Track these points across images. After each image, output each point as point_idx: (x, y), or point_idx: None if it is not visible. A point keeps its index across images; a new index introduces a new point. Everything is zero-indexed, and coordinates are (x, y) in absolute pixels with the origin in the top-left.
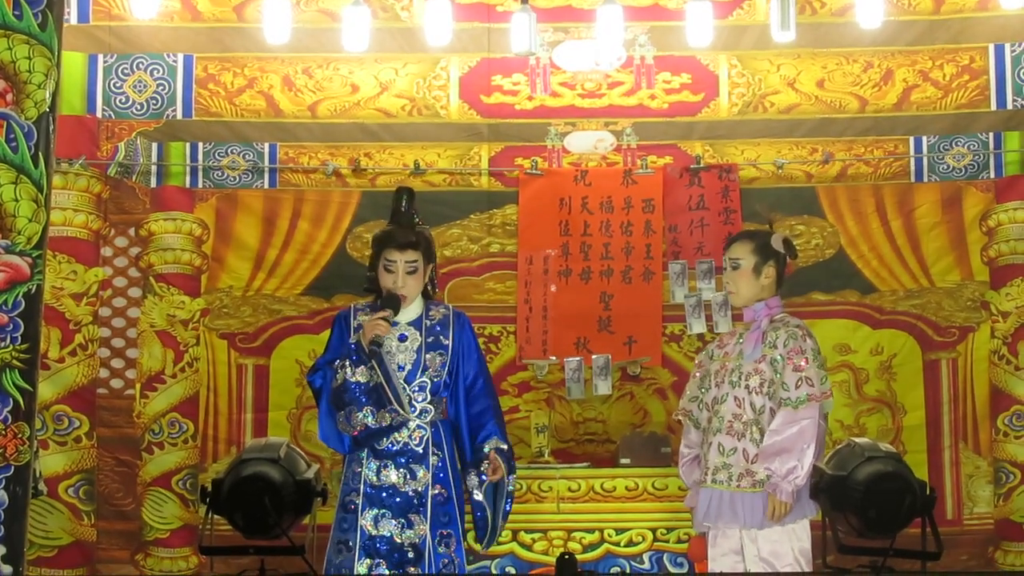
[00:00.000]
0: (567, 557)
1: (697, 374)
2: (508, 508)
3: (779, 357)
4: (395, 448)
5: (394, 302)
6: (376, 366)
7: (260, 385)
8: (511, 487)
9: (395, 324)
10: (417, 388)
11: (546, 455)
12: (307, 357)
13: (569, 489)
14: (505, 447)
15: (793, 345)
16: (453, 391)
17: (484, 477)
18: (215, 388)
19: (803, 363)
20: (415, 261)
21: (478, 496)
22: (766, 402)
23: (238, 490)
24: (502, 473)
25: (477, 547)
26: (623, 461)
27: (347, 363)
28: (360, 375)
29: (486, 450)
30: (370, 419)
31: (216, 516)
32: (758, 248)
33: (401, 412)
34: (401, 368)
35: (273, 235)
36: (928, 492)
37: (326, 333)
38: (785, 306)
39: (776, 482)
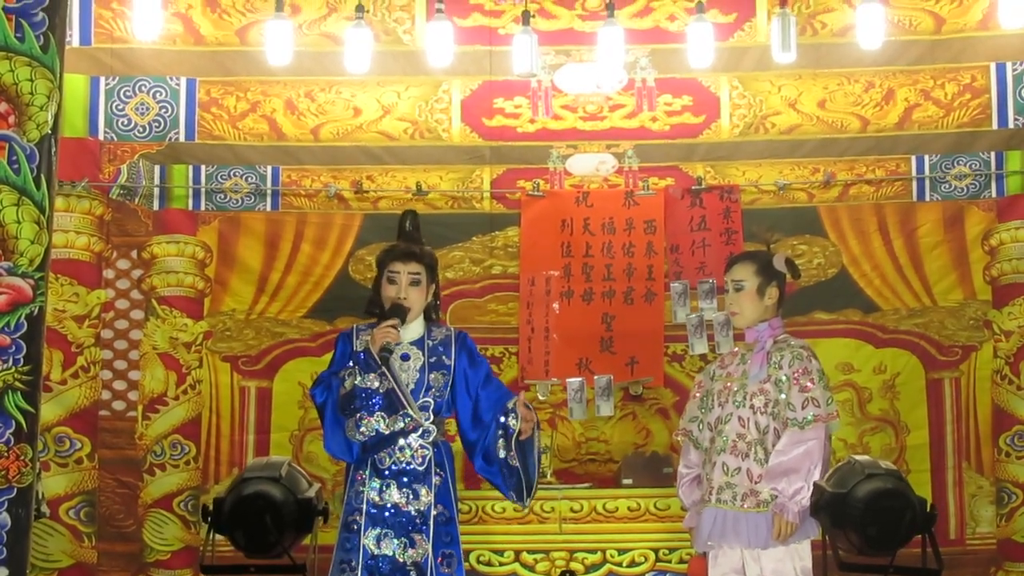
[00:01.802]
0: (569, 575)
1: (697, 394)
2: (539, 460)
3: (784, 378)
4: (398, 468)
5: (400, 311)
6: (387, 371)
7: (262, 407)
8: (539, 442)
9: (398, 344)
10: (420, 408)
11: (549, 475)
12: (309, 379)
13: (571, 509)
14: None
15: (799, 366)
16: (465, 396)
17: (512, 430)
18: (217, 410)
19: (809, 384)
20: (418, 273)
21: (503, 454)
22: (770, 422)
23: (239, 508)
24: (534, 419)
25: (517, 509)
26: (625, 481)
27: (356, 370)
28: (370, 381)
29: (510, 405)
30: (382, 424)
31: (217, 535)
32: (761, 269)
33: (413, 415)
34: None
35: (276, 258)
36: (928, 509)
37: (328, 355)
38: (787, 325)
39: (783, 502)
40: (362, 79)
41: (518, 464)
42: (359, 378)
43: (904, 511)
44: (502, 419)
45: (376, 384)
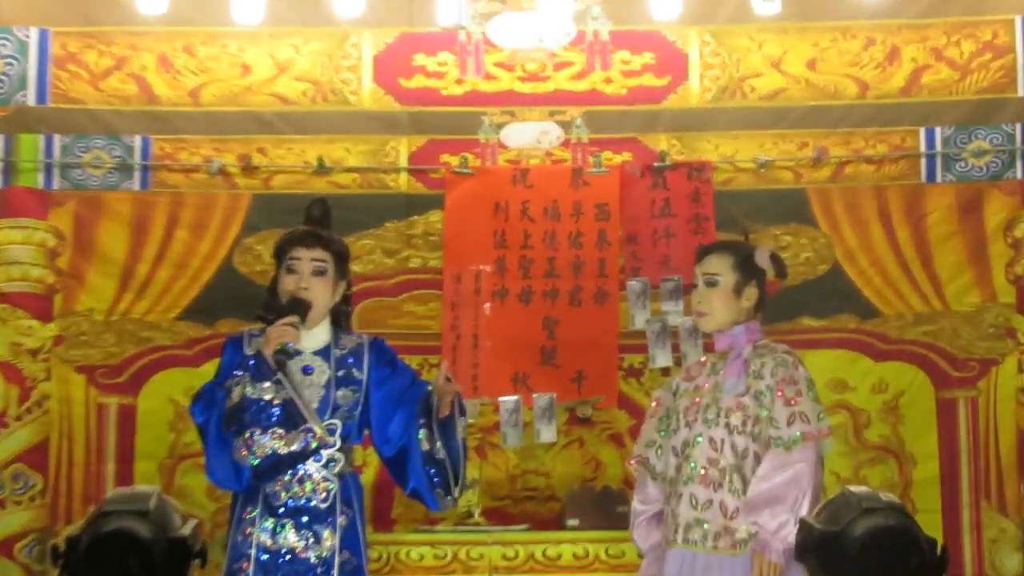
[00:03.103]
0: None
1: (656, 414)
2: (464, 446)
3: (766, 389)
4: (295, 504)
5: (300, 306)
6: (283, 378)
7: (125, 430)
8: (463, 434)
9: (297, 354)
10: (324, 429)
11: (476, 516)
12: (183, 395)
13: (504, 557)
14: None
15: (783, 374)
16: (384, 416)
17: (433, 406)
18: (69, 433)
19: (796, 396)
20: (324, 261)
21: (428, 447)
22: (749, 444)
23: (98, 549)
24: (455, 389)
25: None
26: (570, 523)
27: (246, 378)
28: (263, 391)
29: (429, 388)
30: (278, 442)
31: None
32: (740, 263)
33: (317, 430)
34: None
35: (144, 247)
36: (940, 551)
37: (207, 366)
38: (767, 334)
39: (765, 539)
40: (252, 30)
41: (444, 456)
42: (250, 388)
43: (909, 554)
44: (420, 404)
45: (271, 394)
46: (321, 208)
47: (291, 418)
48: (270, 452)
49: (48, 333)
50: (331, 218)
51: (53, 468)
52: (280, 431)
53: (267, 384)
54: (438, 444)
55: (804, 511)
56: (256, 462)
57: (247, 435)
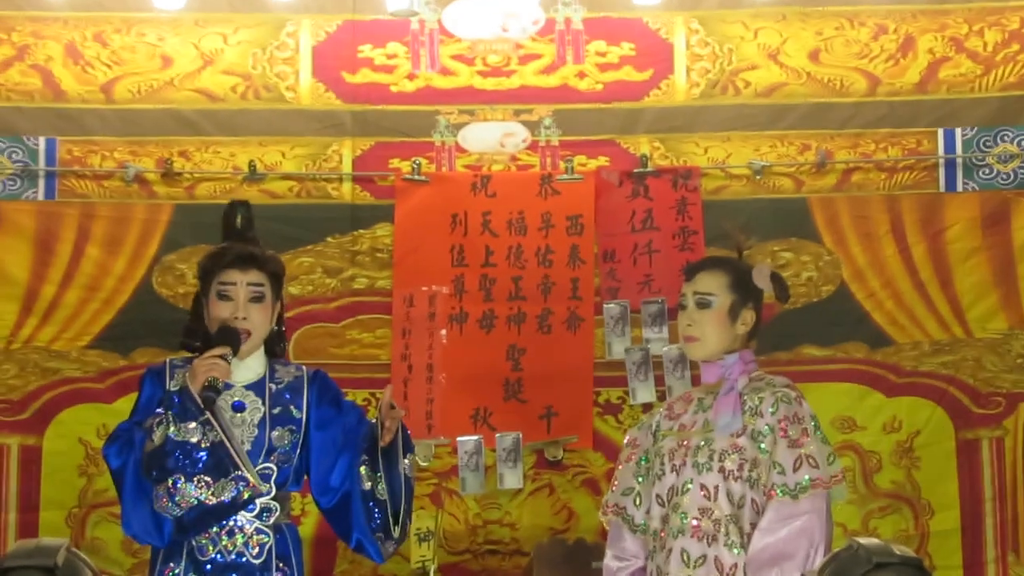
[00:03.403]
0: None
1: (631, 457)
2: (410, 485)
3: (766, 429)
4: (225, 560)
5: (232, 337)
6: (212, 419)
7: (28, 474)
8: (410, 472)
9: (227, 387)
10: (258, 477)
11: (431, 573)
12: (95, 435)
13: None
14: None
15: (785, 411)
16: (325, 459)
17: (374, 435)
18: None
19: (802, 436)
20: (260, 285)
21: (368, 484)
22: (747, 491)
23: None
24: (399, 415)
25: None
26: None
27: (168, 416)
28: (189, 433)
29: (374, 421)
30: (204, 492)
31: None
32: (736, 283)
33: (250, 479)
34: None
35: (50, 265)
36: None
37: (122, 402)
38: (762, 364)
39: None
40: (174, 16)
41: (386, 495)
42: (173, 428)
43: None
44: (363, 441)
45: (197, 436)
46: (244, 213)
47: (220, 464)
48: (195, 503)
49: None
50: (253, 222)
51: None
52: (207, 479)
53: (193, 424)
54: (380, 481)
55: (815, 568)
56: (179, 514)
57: (169, 483)
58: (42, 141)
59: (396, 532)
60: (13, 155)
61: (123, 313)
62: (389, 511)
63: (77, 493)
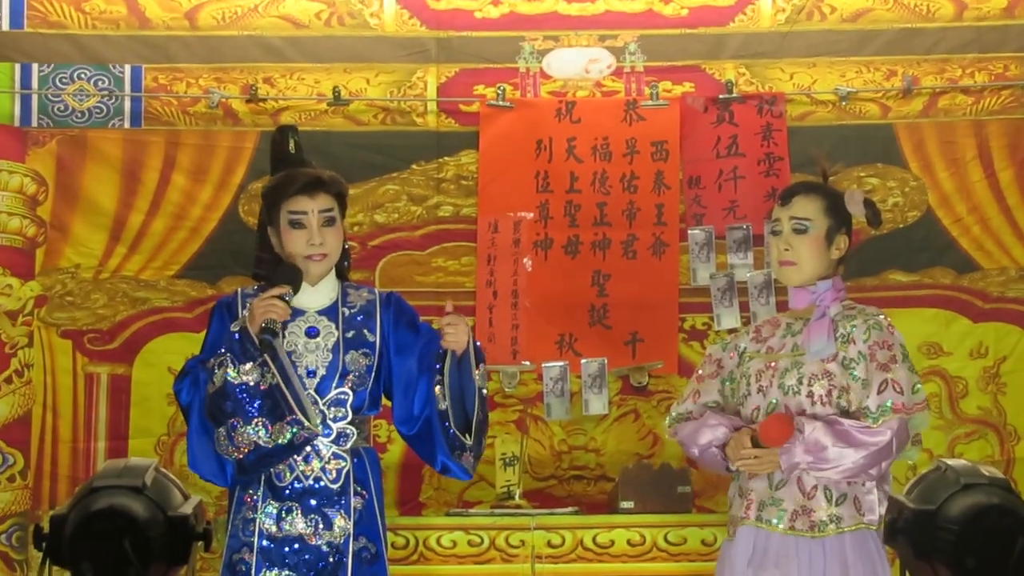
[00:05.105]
0: None
1: (717, 374)
2: (483, 395)
3: (858, 355)
4: (303, 486)
5: (293, 275)
6: (269, 361)
7: (118, 403)
8: (482, 382)
9: (300, 314)
10: (333, 402)
11: (517, 498)
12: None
13: (549, 544)
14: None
15: (877, 337)
16: (404, 382)
17: (444, 353)
18: (54, 407)
19: (890, 362)
20: (330, 209)
21: (443, 404)
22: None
23: (87, 529)
24: (465, 327)
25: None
26: (624, 505)
27: (228, 358)
28: (247, 374)
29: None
30: (262, 435)
31: (56, 568)
32: (831, 207)
33: (306, 423)
34: (311, 373)
35: (137, 194)
36: None
37: None
38: (850, 291)
39: (797, 453)
40: None
41: (457, 401)
42: (232, 370)
43: (1016, 535)
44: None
45: (255, 378)
46: (295, 137)
47: (276, 407)
48: (254, 446)
49: (29, 293)
50: (301, 145)
51: (36, 446)
52: (265, 421)
53: (249, 366)
54: (452, 393)
55: (867, 484)
56: (239, 456)
57: (229, 426)
58: (127, 69)
59: (469, 440)
60: (99, 83)
61: (210, 242)
62: (460, 417)
63: (166, 421)
